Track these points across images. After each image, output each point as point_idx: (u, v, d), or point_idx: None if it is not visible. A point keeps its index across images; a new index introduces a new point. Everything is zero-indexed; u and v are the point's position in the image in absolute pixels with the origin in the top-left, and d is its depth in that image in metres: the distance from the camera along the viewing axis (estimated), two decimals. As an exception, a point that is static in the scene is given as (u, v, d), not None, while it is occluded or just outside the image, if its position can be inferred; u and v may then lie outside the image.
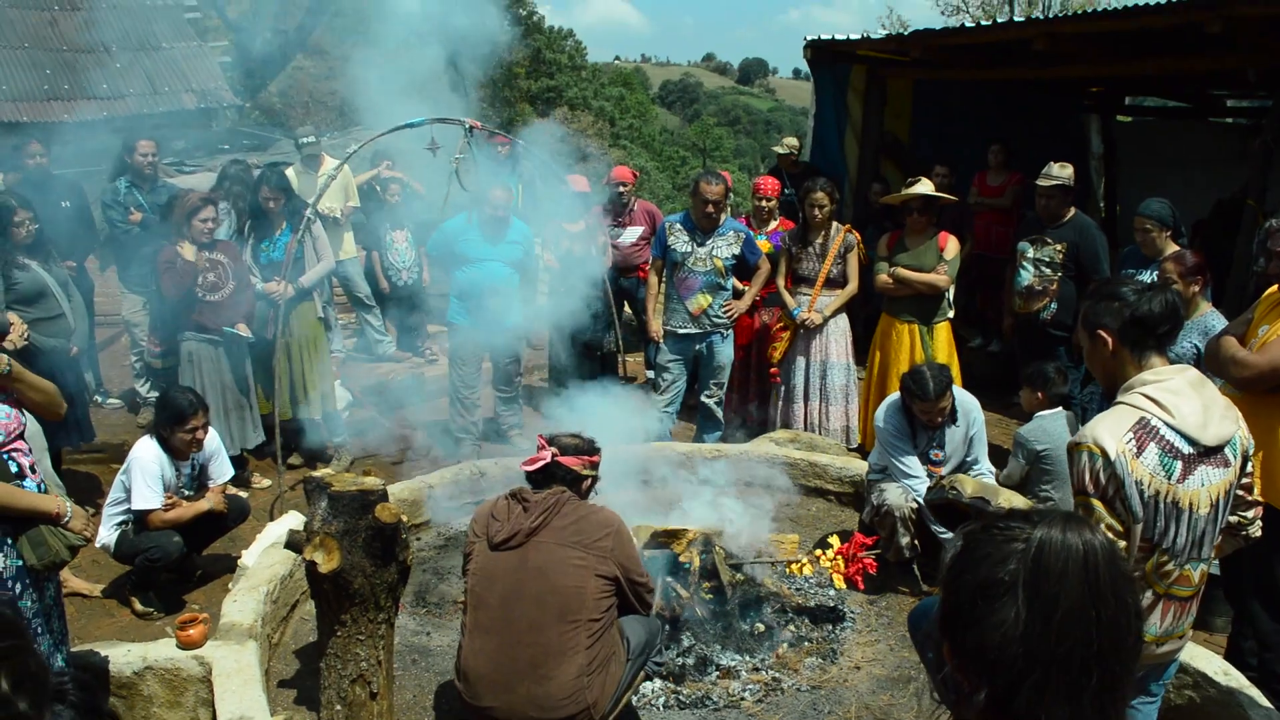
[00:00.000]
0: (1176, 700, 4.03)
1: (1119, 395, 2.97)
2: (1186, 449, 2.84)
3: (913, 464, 5.27)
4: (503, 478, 5.86)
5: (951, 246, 6.77)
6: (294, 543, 3.91)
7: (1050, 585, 1.38)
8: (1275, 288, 4.20)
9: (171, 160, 13.72)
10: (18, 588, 3.54)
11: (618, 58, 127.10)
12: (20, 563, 3.55)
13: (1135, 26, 7.76)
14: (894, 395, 5.43)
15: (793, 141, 10.06)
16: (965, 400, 5.31)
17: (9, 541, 3.52)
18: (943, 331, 6.88)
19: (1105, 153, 12.81)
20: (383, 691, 3.96)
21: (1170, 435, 2.83)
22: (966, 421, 5.28)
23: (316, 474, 3.97)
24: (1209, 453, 2.88)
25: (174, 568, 5.29)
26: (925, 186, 6.81)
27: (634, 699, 4.02)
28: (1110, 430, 2.83)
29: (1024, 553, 1.41)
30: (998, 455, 7.17)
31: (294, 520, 4.89)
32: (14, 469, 3.51)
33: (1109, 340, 2.97)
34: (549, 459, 3.79)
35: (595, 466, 3.97)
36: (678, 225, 6.94)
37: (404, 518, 3.89)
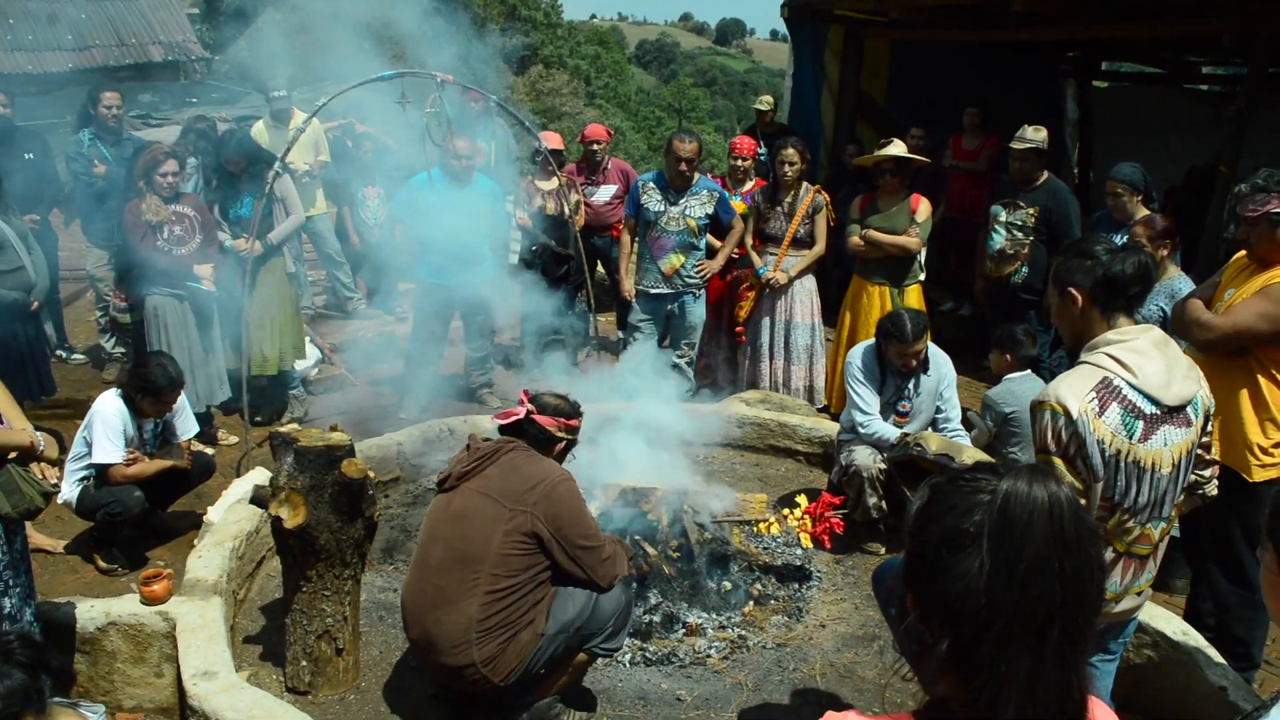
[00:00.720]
0: (1136, 659, 4.08)
1: (1083, 354, 2.98)
2: (1149, 409, 2.86)
3: (868, 398, 5.26)
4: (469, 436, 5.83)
5: (923, 209, 6.76)
6: (259, 498, 3.89)
7: (1015, 536, 1.39)
8: (1243, 253, 4.23)
9: (138, 113, 13.50)
10: (-10, 538, 3.48)
11: (594, 16, 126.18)
12: (-10, 512, 3.48)
13: (1113, -12, 7.76)
14: (869, 340, 5.41)
15: (769, 100, 10.00)
16: (936, 354, 5.32)
17: None
18: (913, 294, 6.89)
19: (1081, 118, 12.82)
20: (349, 647, 3.95)
21: (1133, 395, 2.85)
22: (938, 375, 5.28)
23: (282, 429, 3.93)
24: (1171, 412, 2.90)
25: (136, 523, 5.24)
26: (898, 148, 6.79)
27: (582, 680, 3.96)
28: (1073, 389, 2.85)
29: (989, 504, 1.42)
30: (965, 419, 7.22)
31: (260, 476, 4.85)
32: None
33: (1079, 298, 2.98)
34: (522, 415, 3.77)
35: (573, 431, 3.90)
36: (651, 184, 6.90)
37: (371, 474, 3.87)
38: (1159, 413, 2.88)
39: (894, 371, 5.27)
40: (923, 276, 6.99)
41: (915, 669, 1.53)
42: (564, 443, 3.87)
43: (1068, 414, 2.81)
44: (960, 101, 9.76)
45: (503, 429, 3.80)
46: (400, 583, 4.82)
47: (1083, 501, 2.85)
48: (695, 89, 73.71)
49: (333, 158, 9.10)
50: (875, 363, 5.30)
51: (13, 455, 3.53)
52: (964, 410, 6.87)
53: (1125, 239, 5.60)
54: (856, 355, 5.37)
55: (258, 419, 6.85)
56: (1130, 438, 2.84)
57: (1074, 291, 2.98)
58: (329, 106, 6.91)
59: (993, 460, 4.43)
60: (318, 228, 8.93)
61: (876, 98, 11.03)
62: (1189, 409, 2.96)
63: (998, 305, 7.21)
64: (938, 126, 9.53)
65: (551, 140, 8.01)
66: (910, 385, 5.27)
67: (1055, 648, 1.39)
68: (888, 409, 5.29)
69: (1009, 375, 5.69)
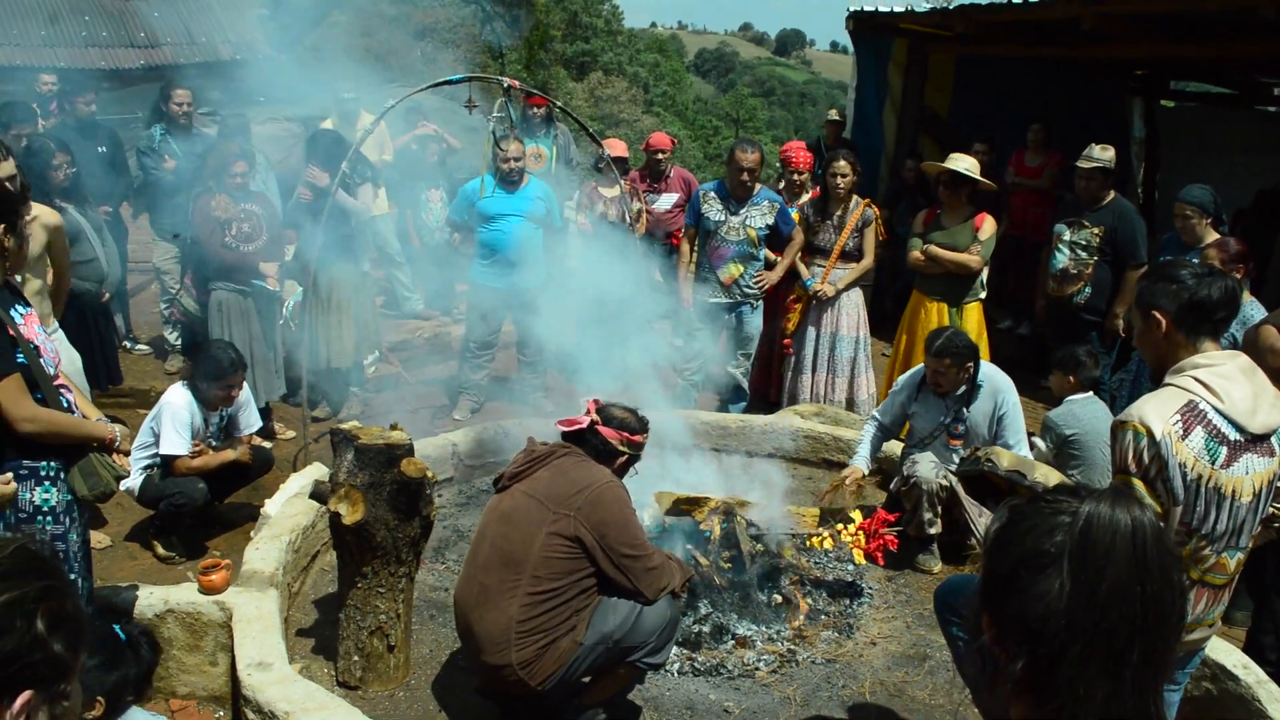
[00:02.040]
0: (1195, 691, 4.00)
1: (1168, 377, 2.94)
2: (1233, 435, 2.82)
3: (885, 405, 5.44)
4: (525, 438, 5.86)
5: (988, 227, 6.67)
6: (319, 493, 3.93)
7: (1097, 558, 1.38)
8: (1318, 279, 4.14)
9: (206, 110, 13.74)
10: (66, 521, 3.56)
11: (654, 24, 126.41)
12: (69, 496, 3.57)
13: (1186, 9, 7.64)
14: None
15: (837, 112, 9.95)
16: (997, 380, 5.21)
17: (61, 475, 3.55)
18: (973, 312, 6.80)
19: (1147, 137, 12.60)
20: (400, 644, 3.99)
21: (1218, 420, 2.81)
22: (995, 401, 5.18)
23: (344, 426, 3.98)
24: (1255, 440, 2.86)
25: (197, 514, 5.34)
26: (965, 163, 6.69)
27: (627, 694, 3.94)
28: (1157, 410, 2.81)
29: (1070, 525, 1.41)
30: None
31: (318, 472, 4.92)
32: (64, 404, 3.53)
33: (1163, 322, 2.94)
34: (586, 424, 3.77)
35: (636, 447, 3.85)
36: (712, 194, 6.89)
37: (430, 473, 3.90)
38: (1243, 440, 2.83)
39: (936, 394, 5.23)
40: (983, 295, 6.90)
41: (983, 692, 1.51)
42: (625, 457, 3.82)
43: (1150, 435, 2.77)
44: (1025, 118, 9.66)
45: (565, 435, 3.80)
46: (452, 582, 4.88)
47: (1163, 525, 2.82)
48: (753, 99, 73.50)
49: (397, 160, 9.20)
50: (917, 381, 5.30)
51: (95, 445, 3.63)
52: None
53: (1195, 262, 5.51)
54: (910, 372, 5.39)
55: (315, 415, 6.94)
56: (1213, 463, 2.80)
57: (1158, 315, 2.94)
58: (394, 111, 7.00)
59: (1064, 477, 4.38)
60: (379, 228, 9.02)
61: (940, 112, 10.95)
62: (1273, 439, 2.91)
63: (1059, 325, 7.12)
64: (1002, 142, 9.44)
65: (616, 148, 8.05)
66: (963, 409, 5.20)
67: (1134, 671, 1.38)
68: (941, 431, 5.23)
69: (1071, 397, 5.60)
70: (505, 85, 6.32)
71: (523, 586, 3.43)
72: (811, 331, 7.12)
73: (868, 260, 7.04)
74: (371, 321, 7.12)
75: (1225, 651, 4.02)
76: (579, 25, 48.83)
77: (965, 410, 5.17)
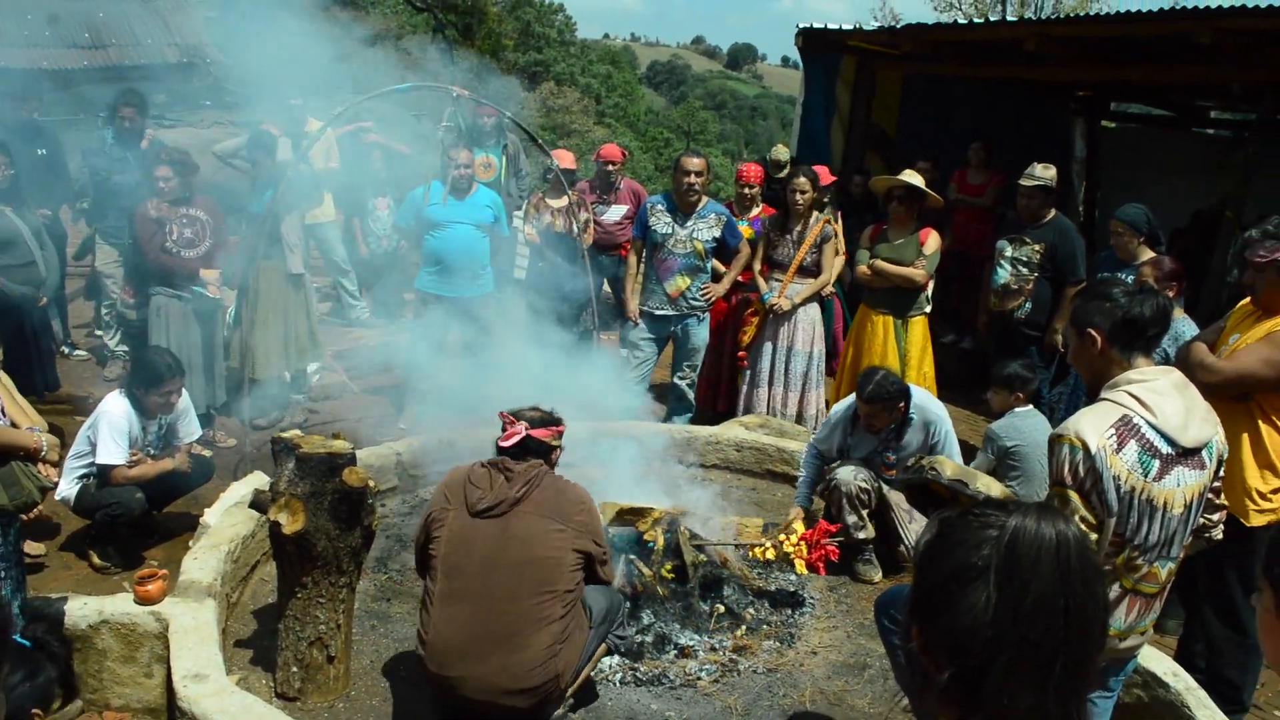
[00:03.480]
0: (1126, 699, 4.07)
1: (1103, 392, 3.02)
2: (1165, 448, 2.90)
3: (824, 440, 5.47)
4: (471, 447, 5.83)
5: (932, 242, 6.78)
6: (259, 503, 3.90)
7: (1022, 572, 1.41)
8: (1248, 299, 4.25)
9: (152, 114, 13.57)
10: (-10, 530, 3.50)
11: (607, 35, 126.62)
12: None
13: (1125, 32, 7.82)
14: None
15: (785, 151, 9.95)
16: (929, 411, 5.26)
17: None
18: (918, 325, 6.91)
19: (1088, 157, 12.87)
20: (340, 655, 3.95)
21: (1151, 434, 2.89)
22: (927, 431, 5.24)
23: (284, 435, 3.94)
24: (1187, 454, 2.94)
25: (134, 524, 5.26)
26: (914, 178, 6.81)
27: (593, 672, 4.02)
28: (1093, 424, 2.88)
29: (998, 539, 1.43)
30: (966, 452, 7.23)
31: (258, 481, 4.86)
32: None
33: (1098, 339, 3.03)
34: (524, 433, 3.80)
35: (560, 436, 3.98)
36: (659, 206, 6.93)
37: (372, 482, 3.87)
38: (1175, 453, 2.91)
39: (866, 429, 5.29)
40: (928, 309, 7.01)
41: (915, 701, 1.54)
42: (557, 450, 3.96)
43: (1086, 449, 2.84)
44: (970, 136, 9.80)
45: (505, 450, 3.82)
46: (395, 592, 4.85)
47: (1094, 536, 2.89)
48: (704, 111, 73.86)
49: (343, 166, 9.13)
50: (851, 415, 5.33)
51: (20, 454, 3.57)
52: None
53: (1130, 279, 5.63)
54: (845, 400, 5.44)
55: (257, 423, 6.86)
56: (1145, 476, 2.87)
57: (1093, 333, 3.03)
58: (345, 117, 6.98)
59: (1006, 489, 4.45)
60: (325, 235, 8.95)
61: (887, 129, 11.08)
62: (1204, 452, 3.00)
63: (1001, 339, 7.23)
64: (946, 160, 9.57)
65: (564, 159, 8.06)
66: (894, 442, 5.26)
67: (1058, 683, 1.40)
68: (874, 457, 5.30)
69: (1014, 409, 5.69)
70: (454, 94, 6.31)
71: (556, 603, 3.57)
72: (768, 345, 7.17)
73: (825, 276, 7.11)
74: (309, 331, 7.02)
75: (1156, 659, 4.10)
76: (532, 35, 48.84)
77: (896, 443, 5.24)
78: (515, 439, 3.79)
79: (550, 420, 3.94)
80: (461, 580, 3.59)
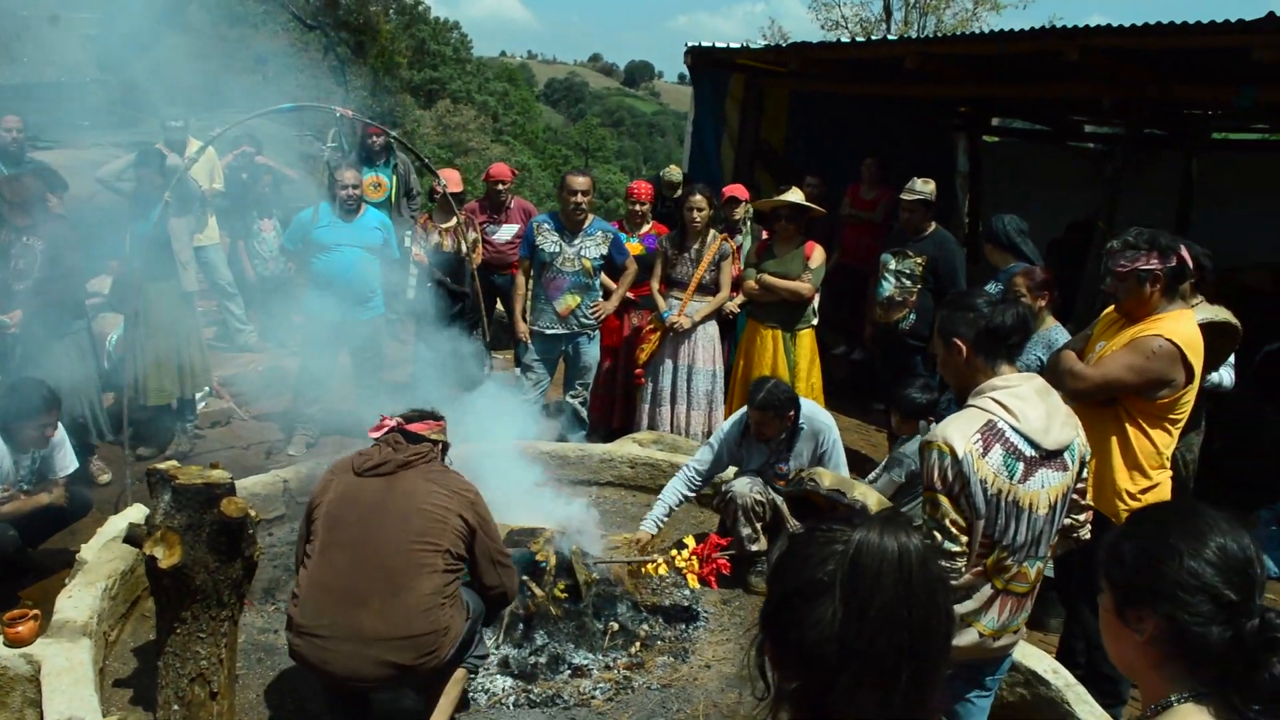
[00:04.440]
0: (1009, 697, 4.19)
1: (970, 399, 3.12)
2: (1029, 451, 2.99)
3: (703, 453, 5.47)
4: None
5: (817, 255, 6.91)
6: (134, 537, 3.78)
7: (866, 586, 1.44)
8: (1113, 307, 4.42)
9: (28, 135, 13.10)
10: None
11: (504, 53, 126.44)
12: None
13: (1000, 51, 8.07)
14: None
15: (677, 172, 10.02)
16: (818, 421, 5.35)
17: None
18: (805, 338, 7.02)
19: (971, 170, 13.25)
20: (223, 691, 3.85)
21: (1014, 438, 2.98)
22: (816, 440, 5.32)
23: (160, 466, 3.84)
24: (1049, 456, 3.04)
25: (8, 562, 5.06)
26: (795, 195, 6.94)
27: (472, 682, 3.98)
28: (960, 430, 2.97)
29: (842, 554, 1.46)
30: (858, 461, 7.37)
31: (138, 514, 4.72)
32: None
33: (963, 348, 3.12)
34: (395, 424, 3.81)
35: (443, 432, 3.99)
36: (546, 225, 6.93)
37: (252, 512, 3.79)
38: (1038, 456, 3.01)
39: (759, 439, 5.35)
40: (815, 321, 7.13)
41: (771, 713, 1.56)
42: (440, 444, 3.96)
43: (954, 454, 2.93)
44: (857, 152, 9.99)
45: (379, 440, 3.80)
46: (283, 624, 4.74)
47: (964, 539, 2.98)
48: (602, 129, 74.29)
49: (228, 188, 8.95)
50: (743, 426, 5.39)
51: None
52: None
53: (997, 286, 5.84)
54: (733, 417, 5.48)
55: (141, 453, 6.67)
56: (1011, 478, 2.97)
57: (958, 342, 3.13)
58: (228, 137, 6.84)
59: (881, 497, 4.54)
60: (210, 258, 8.75)
61: (776, 146, 11.25)
62: (1066, 454, 3.10)
63: (887, 350, 7.40)
64: (835, 176, 9.76)
65: (451, 179, 8.01)
66: (785, 451, 5.34)
67: (903, 693, 1.44)
68: (768, 469, 5.37)
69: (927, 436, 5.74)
70: (338, 114, 6.24)
71: (439, 557, 3.56)
72: (668, 363, 7.20)
73: (723, 294, 7.16)
74: (200, 355, 6.87)
75: (1037, 657, 4.22)
76: (427, 53, 48.49)
77: (788, 453, 5.32)
78: (385, 429, 3.79)
79: (428, 414, 3.95)
80: (342, 530, 3.58)
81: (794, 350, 6.96)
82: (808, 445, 5.31)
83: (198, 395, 7.31)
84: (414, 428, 3.83)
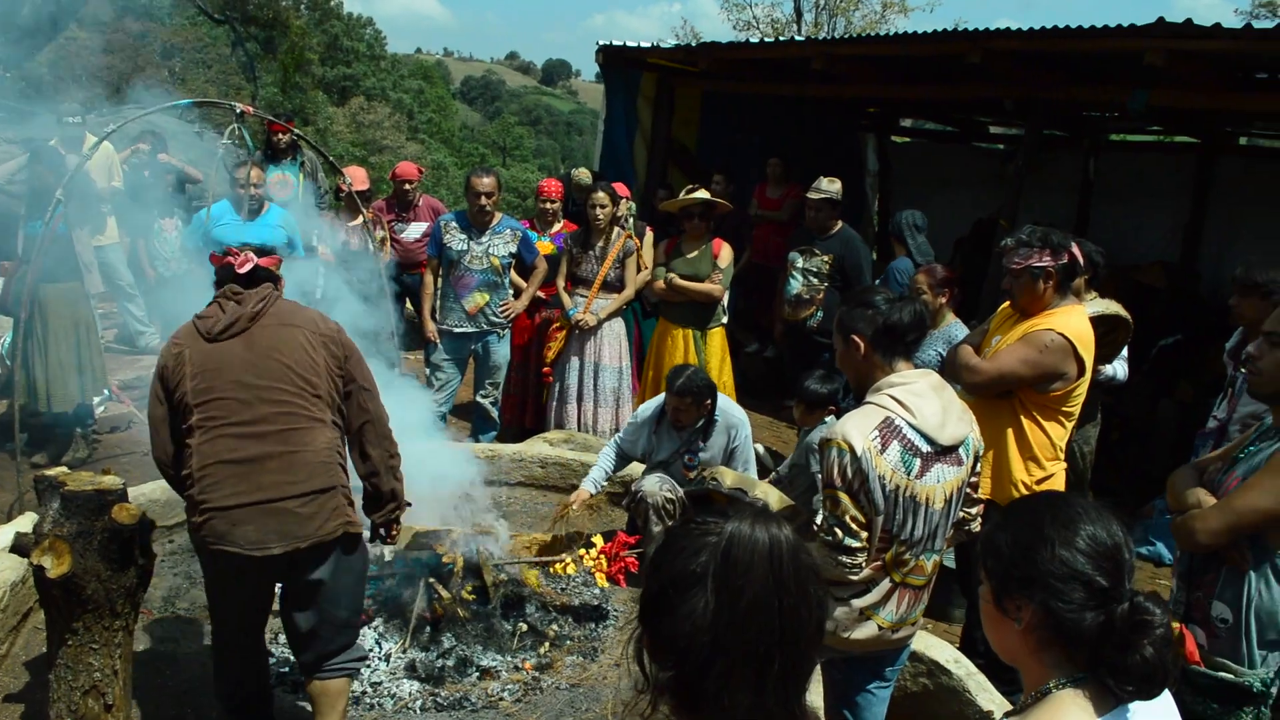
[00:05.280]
0: (913, 688, 4.27)
1: (868, 396, 3.16)
2: (925, 447, 3.05)
3: (628, 439, 5.54)
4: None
5: (725, 254, 6.96)
6: (20, 546, 3.66)
7: (737, 577, 1.45)
8: (1008, 302, 4.53)
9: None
10: None
11: (419, 50, 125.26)
12: None
13: (904, 52, 8.22)
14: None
15: (587, 174, 10.01)
16: (732, 415, 5.40)
17: None
18: (716, 337, 7.07)
19: (880, 171, 13.47)
20: (119, 703, 3.75)
21: (911, 434, 3.03)
22: (729, 435, 5.38)
23: (49, 473, 3.72)
24: (945, 451, 3.10)
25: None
26: (702, 194, 6.98)
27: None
28: (858, 427, 3.01)
29: (715, 546, 1.48)
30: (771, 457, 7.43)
31: (29, 523, 4.57)
32: None
33: (861, 345, 3.16)
34: (254, 261, 3.67)
35: (279, 266, 3.92)
36: (453, 223, 6.88)
37: (148, 518, 3.70)
38: (934, 451, 3.07)
39: (674, 427, 5.38)
40: (725, 320, 7.18)
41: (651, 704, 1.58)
42: (282, 282, 3.87)
43: (852, 451, 2.97)
44: (768, 152, 10.09)
45: (238, 279, 3.66)
46: (182, 631, 4.64)
47: (864, 534, 3.02)
48: (520, 127, 73.96)
49: (128, 187, 8.72)
50: (657, 415, 5.43)
51: None
52: (770, 451, 7.09)
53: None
54: (651, 402, 5.51)
55: (37, 461, 6.46)
56: (908, 474, 3.02)
57: (856, 339, 3.17)
58: (125, 133, 6.66)
59: (783, 496, 4.59)
60: (109, 258, 8.52)
61: (688, 145, 11.31)
62: (961, 449, 3.16)
63: (795, 348, 7.48)
64: (747, 175, 9.84)
65: (356, 177, 7.91)
66: (699, 441, 5.38)
67: (776, 683, 1.46)
68: (676, 459, 5.40)
69: (827, 420, 5.83)
70: (238, 110, 6.11)
71: (325, 407, 3.50)
72: (575, 361, 7.21)
73: (628, 291, 7.19)
74: (99, 358, 6.68)
75: (939, 647, 4.31)
76: (340, 49, 47.80)
77: (701, 444, 5.35)
78: (250, 264, 3.65)
79: (267, 251, 3.86)
80: (219, 404, 3.44)
81: (705, 349, 7.01)
82: (720, 439, 5.35)
83: (96, 400, 7.11)
84: (264, 262, 3.73)
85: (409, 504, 3.94)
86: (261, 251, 3.80)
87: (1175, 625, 3.14)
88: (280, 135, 8.63)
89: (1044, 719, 1.72)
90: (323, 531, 3.42)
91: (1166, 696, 1.78)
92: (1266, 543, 3.03)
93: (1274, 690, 3.10)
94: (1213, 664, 3.10)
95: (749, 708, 1.44)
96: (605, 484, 5.52)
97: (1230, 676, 3.07)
